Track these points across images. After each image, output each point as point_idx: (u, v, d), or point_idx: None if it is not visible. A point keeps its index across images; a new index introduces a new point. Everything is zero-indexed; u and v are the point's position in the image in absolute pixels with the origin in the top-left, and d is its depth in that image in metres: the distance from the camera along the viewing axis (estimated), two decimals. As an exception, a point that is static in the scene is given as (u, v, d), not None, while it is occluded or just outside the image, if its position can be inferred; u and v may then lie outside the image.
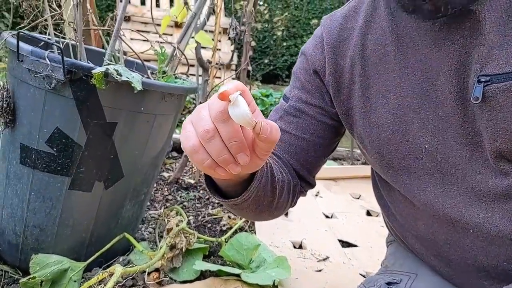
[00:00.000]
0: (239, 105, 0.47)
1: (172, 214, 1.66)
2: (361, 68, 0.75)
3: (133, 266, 1.25)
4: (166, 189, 2.31)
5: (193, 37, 2.44)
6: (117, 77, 1.10)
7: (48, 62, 1.17)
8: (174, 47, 1.70)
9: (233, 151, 0.51)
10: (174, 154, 3.07)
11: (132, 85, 1.13)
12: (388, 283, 0.84)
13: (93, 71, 1.08)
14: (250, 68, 2.39)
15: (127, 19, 5.16)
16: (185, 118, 0.63)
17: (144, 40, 3.40)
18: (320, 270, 1.51)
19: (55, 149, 1.25)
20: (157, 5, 5.71)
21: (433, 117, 0.68)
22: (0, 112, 1.26)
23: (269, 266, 1.38)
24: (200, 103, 2.43)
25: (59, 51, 1.24)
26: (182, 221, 1.46)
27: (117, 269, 0.75)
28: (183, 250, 1.42)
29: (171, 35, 5.12)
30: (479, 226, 0.66)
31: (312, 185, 0.91)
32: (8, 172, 1.32)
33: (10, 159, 1.31)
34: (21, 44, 1.21)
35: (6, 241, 1.36)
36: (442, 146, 0.68)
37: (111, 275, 0.95)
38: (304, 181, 0.88)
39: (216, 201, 2.21)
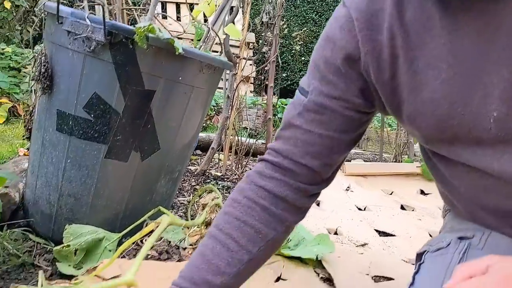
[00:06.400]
0: None
1: (205, 195, 1.61)
2: (402, 40, 0.66)
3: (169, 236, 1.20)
4: (193, 180, 2.27)
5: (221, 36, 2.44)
6: (160, 34, 1.07)
7: (89, 23, 1.15)
8: (209, 28, 1.68)
9: None
10: (199, 152, 3.05)
11: (174, 45, 1.10)
12: (460, 238, 0.76)
13: (137, 25, 1.06)
14: (271, 84, 2.36)
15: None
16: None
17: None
18: (361, 254, 1.44)
19: (92, 115, 1.23)
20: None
21: (498, 81, 0.59)
22: (38, 77, 1.24)
23: (309, 243, 1.31)
24: (228, 96, 2.41)
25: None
26: (217, 198, 1.41)
27: (164, 219, 0.71)
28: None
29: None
30: None
31: (329, 182, 0.81)
32: (44, 140, 1.29)
33: (46, 126, 1.29)
34: (61, 6, 1.20)
35: (39, 211, 1.33)
36: None
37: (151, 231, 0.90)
38: (318, 184, 0.79)
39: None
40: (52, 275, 1.16)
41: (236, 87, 2.35)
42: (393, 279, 1.24)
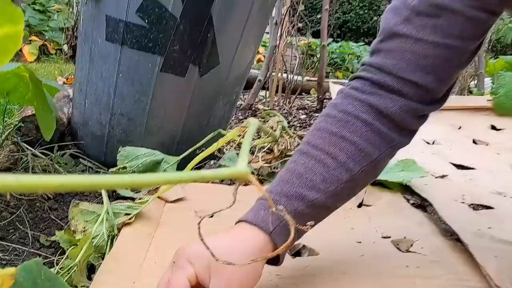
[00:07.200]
0: None
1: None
2: None
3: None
4: (240, 113, 2.13)
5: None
6: None
7: None
8: None
9: None
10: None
11: None
12: None
13: None
14: (326, 7, 2.14)
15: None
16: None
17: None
18: (445, 184, 1.27)
19: (146, 21, 1.07)
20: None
21: None
22: (84, -23, 1.08)
23: (392, 170, 1.16)
24: (276, 23, 2.21)
25: None
26: (281, 121, 1.26)
27: (253, 121, 0.55)
28: (283, 154, 1.23)
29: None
30: None
31: (442, 103, 0.67)
32: (92, 52, 1.15)
33: (94, 37, 1.14)
34: None
35: (89, 133, 1.21)
36: None
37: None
38: (430, 105, 0.64)
39: (299, 125, 2.01)
40: (109, 197, 1.05)
41: (286, 11, 2.15)
42: (492, 208, 1.08)
